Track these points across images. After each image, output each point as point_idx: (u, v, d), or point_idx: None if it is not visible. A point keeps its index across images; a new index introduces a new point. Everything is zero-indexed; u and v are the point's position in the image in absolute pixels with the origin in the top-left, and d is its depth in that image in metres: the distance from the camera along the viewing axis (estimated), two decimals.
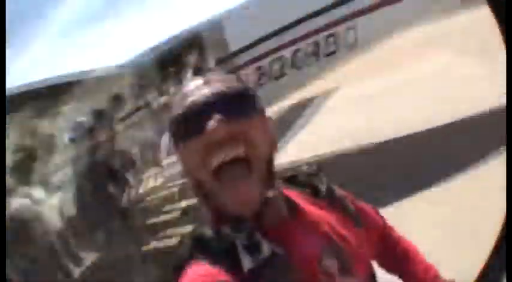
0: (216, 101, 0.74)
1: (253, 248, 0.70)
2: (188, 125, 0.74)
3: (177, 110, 0.77)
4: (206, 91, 0.75)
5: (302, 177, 0.89)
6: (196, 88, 0.77)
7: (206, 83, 0.77)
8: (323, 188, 0.88)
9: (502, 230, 0.82)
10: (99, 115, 5.62)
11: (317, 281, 0.75)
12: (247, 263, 0.69)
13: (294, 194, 0.85)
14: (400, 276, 1.07)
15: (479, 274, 0.93)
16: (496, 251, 0.84)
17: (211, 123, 0.71)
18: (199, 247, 0.75)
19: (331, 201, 0.87)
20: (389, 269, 1.07)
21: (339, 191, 0.91)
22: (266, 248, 0.70)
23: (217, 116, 0.72)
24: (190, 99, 0.76)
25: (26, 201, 4.73)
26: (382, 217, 1.04)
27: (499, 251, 0.82)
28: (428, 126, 4.31)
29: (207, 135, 0.72)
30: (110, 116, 5.69)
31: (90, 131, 5.51)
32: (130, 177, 5.53)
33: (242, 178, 0.73)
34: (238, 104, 0.75)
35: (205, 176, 0.74)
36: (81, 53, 5.99)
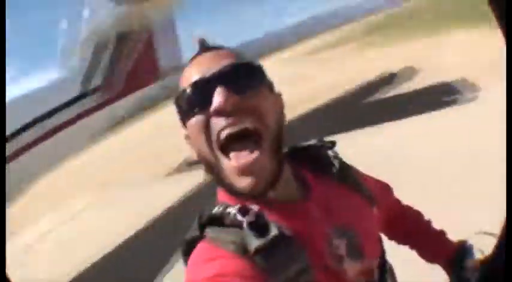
0: (223, 74, 0.74)
1: (260, 229, 0.69)
2: (195, 98, 0.74)
3: (185, 84, 0.76)
4: (213, 64, 0.75)
5: (315, 153, 0.88)
6: (202, 62, 0.77)
7: (213, 56, 0.77)
8: (336, 165, 0.86)
9: (502, 230, 0.82)
10: None
11: (326, 261, 0.74)
12: (253, 243, 0.68)
13: (306, 171, 0.84)
14: (412, 247, 1.08)
15: (480, 274, 0.94)
16: (496, 251, 0.84)
17: (219, 96, 0.71)
18: (208, 226, 0.74)
19: (345, 180, 0.86)
20: (400, 241, 1.08)
21: (353, 169, 0.90)
22: (274, 228, 0.69)
23: (224, 89, 0.72)
24: (197, 73, 0.75)
25: None
26: (391, 191, 1.04)
27: (499, 251, 0.82)
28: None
29: (214, 108, 0.72)
30: None
31: None
32: None
33: (251, 151, 0.72)
34: (245, 77, 0.75)
35: (213, 152, 0.74)
36: None
